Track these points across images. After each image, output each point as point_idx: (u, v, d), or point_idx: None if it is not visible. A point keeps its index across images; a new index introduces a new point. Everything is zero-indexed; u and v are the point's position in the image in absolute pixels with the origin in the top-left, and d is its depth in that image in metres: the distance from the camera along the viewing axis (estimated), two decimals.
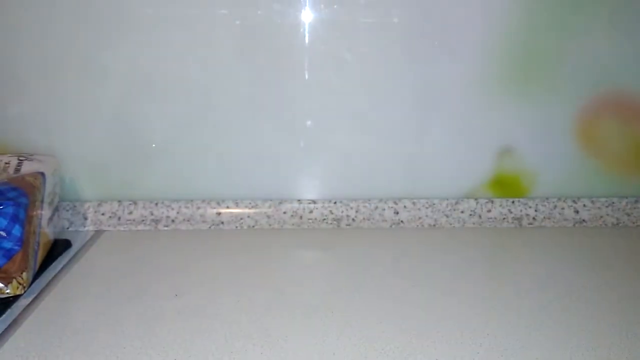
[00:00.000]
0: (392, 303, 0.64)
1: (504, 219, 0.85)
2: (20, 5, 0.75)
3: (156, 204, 0.85)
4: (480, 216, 0.85)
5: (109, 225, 0.85)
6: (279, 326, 0.60)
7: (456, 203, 0.85)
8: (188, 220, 0.85)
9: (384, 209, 0.85)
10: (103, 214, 0.85)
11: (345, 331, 0.59)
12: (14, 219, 0.67)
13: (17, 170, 0.74)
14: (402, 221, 0.85)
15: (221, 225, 0.85)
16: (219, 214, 0.85)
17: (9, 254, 0.66)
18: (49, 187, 0.76)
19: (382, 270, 0.72)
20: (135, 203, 0.85)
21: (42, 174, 0.75)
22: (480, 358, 0.54)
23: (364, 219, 0.85)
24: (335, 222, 0.85)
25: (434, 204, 0.85)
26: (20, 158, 0.77)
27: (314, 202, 0.85)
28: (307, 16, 0.76)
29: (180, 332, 0.59)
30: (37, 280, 0.70)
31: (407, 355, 0.55)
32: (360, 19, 0.76)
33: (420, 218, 0.85)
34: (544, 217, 0.85)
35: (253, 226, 0.85)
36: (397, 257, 0.75)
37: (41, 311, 0.63)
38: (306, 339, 0.58)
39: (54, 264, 0.74)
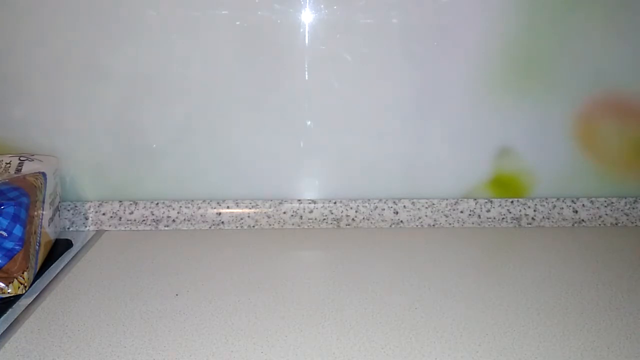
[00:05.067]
0: (391, 303, 0.64)
1: (503, 218, 0.85)
2: (23, 6, 0.75)
3: (157, 204, 0.85)
4: (479, 216, 0.85)
5: (109, 225, 0.85)
6: (279, 326, 0.60)
7: (455, 203, 0.85)
8: (188, 220, 0.85)
9: (383, 209, 0.85)
10: (104, 214, 0.85)
11: (345, 331, 0.59)
12: (15, 218, 0.67)
13: (18, 170, 0.74)
14: (401, 221, 0.85)
15: (221, 225, 0.85)
16: (220, 214, 0.85)
17: (10, 254, 0.66)
18: (50, 187, 0.76)
19: (382, 270, 0.72)
20: (135, 203, 0.85)
21: (43, 174, 0.75)
22: (479, 358, 0.54)
23: (363, 219, 0.85)
24: (335, 222, 0.85)
25: (433, 204, 0.85)
26: (22, 158, 0.77)
27: (314, 202, 0.85)
28: (307, 17, 0.76)
29: (181, 332, 0.59)
30: (38, 280, 0.70)
31: (407, 355, 0.55)
32: (359, 20, 0.77)
33: (419, 218, 0.85)
34: (543, 217, 0.85)
35: (253, 226, 0.85)
36: (397, 257, 0.75)
37: (42, 311, 0.64)
38: (306, 338, 0.58)
39: (55, 263, 0.74)
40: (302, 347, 0.57)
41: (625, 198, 0.85)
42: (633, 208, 0.85)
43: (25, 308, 0.64)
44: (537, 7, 0.76)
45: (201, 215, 0.85)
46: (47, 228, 0.75)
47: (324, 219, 0.85)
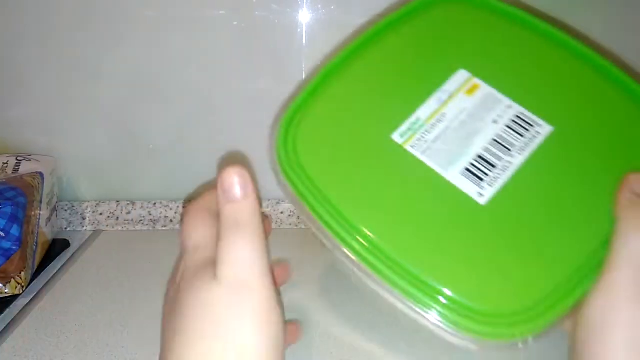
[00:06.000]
0: (391, 303, 0.64)
1: None
2: (21, 6, 0.75)
3: (154, 204, 0.85)
4: None
5: (107, 225, 0.85)
6: None
7: None
8: None
9: None
10: (101, 214, 0.85)
11: (345, 331, 0.59)
12: (13, 218, 0.67)
13: (15, 170, 0.74)
14: None
15: None
16: None
17: (7, 254, 0.66)
18: (47, 187, 0.76)
19: None
20: (133, 203, 0.85)
21: (41, 174, 0.75)
22: (479, 358, 0.54)
23: None
24: None
25: None
26: (19, 158, 0.77)
27: None
28: (305, 17, 0.76)
29: None
30: (35, 280, 0.70)
31: (406, 355, 0.55)
32: (357, 20, 0.77)
33: None
34: None
35: None
36: None
37: (39, 311, 0.64)
38: (306, 338, 0.58)
39: (52, 263, 0.74)
40: (301, 346, 0.56)
41: None
42: None
43: (23, 308, 0.64)
44: (538, 4, 0.76)
45: None
46: (45, 228, 0.75)
47: None
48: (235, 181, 0.36)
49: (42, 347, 0.57)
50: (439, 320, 0.36)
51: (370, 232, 0.39)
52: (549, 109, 0.43)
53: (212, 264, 0.35)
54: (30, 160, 0.77)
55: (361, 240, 0.39)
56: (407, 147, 0.42)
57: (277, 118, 0.46)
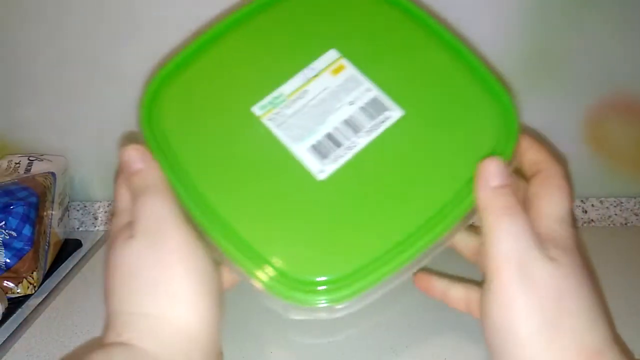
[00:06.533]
0: (394, 302, 0.64)
1: None
2: (32, 6, 0.75)
3: None
4: None
5: None
6: (280, 326, 0.60)
7: None
8: None
9: None
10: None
11: (349, 330, 0.59)
12: (25, 218, 0.67)
13: (27, 170, 0.75)
14: None
15: None
16: None
17: (19, 254, 0.66)
18: (59, 187, 0.76)
19: None
20: None
21: (53, 174, 0.76)
22: (482, 359, 0.54)
23: None
24: None
25: None
26: (31, 158, 0.77)
27: None
28: None
29: None
30: (47, 280, 0.71)
31: (414, 355, 0.55)
32: None
33: None
34: None
35: None
36: None
37: (51, 311, 0.64)
38: (308, 339, 0.58)
39: (64, 263, 0.75)
40: (303, 347, 0.57)
41: (635, 198, 0.84)
42: None
43: (35, 308, 0.65)
44: (548, 5, 0.75)
45: None
46: (57, 228, 0.75)
47: None
48: (132, 156, 0.41)
49: (54, 347, 0.57)
50: (264, 288, 0.39)
51: (211, 196, 0.41)
52: (406, 95, 0.45)
53: (130, 226, 0.39)
54: (42, 160, 0.78)
55: (202, 202, 0.40)
56: (264, 120, 0.43)
57: (144, 86, 0.47)
